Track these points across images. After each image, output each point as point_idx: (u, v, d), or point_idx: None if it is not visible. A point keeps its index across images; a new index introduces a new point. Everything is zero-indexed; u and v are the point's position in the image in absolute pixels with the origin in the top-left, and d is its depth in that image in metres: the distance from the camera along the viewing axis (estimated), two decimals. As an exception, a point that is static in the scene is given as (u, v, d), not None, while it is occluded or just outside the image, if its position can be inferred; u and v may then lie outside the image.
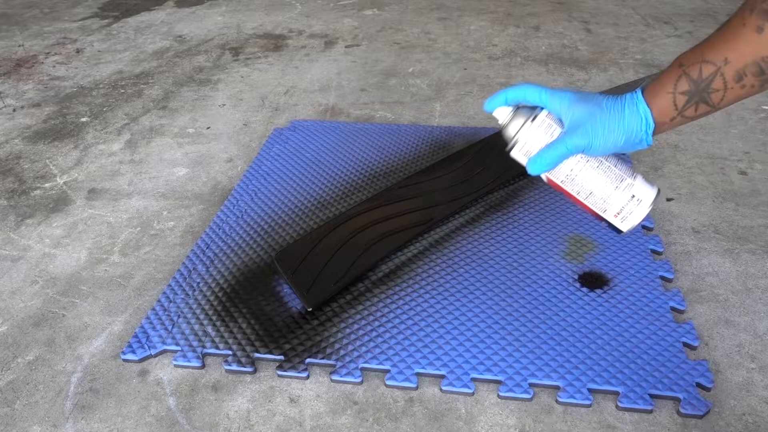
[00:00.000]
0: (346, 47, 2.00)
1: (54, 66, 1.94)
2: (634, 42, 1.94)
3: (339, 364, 0.85)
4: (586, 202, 0.64)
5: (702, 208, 1.16)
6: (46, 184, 1.32)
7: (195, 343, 0.89)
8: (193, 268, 1.03)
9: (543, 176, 0.64)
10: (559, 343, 0.87)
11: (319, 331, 0.90)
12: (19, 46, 2.12)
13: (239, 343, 0.88)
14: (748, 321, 0.91)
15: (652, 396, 0.79)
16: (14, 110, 1.66)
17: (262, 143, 1.42)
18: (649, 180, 0.63)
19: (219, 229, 1.12)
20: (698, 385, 0.80)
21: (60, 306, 0.99)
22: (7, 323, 0.96)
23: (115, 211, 1.22)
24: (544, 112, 0.62)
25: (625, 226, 0.63)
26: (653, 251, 1.03)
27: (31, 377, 0.87)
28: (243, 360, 0.86)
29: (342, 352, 0.87)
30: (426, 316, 0.92)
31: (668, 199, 1.19)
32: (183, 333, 0.90)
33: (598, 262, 1.01)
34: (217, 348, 0.88)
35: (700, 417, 0.77)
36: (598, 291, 0.96)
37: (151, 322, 0.92)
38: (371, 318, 0.92)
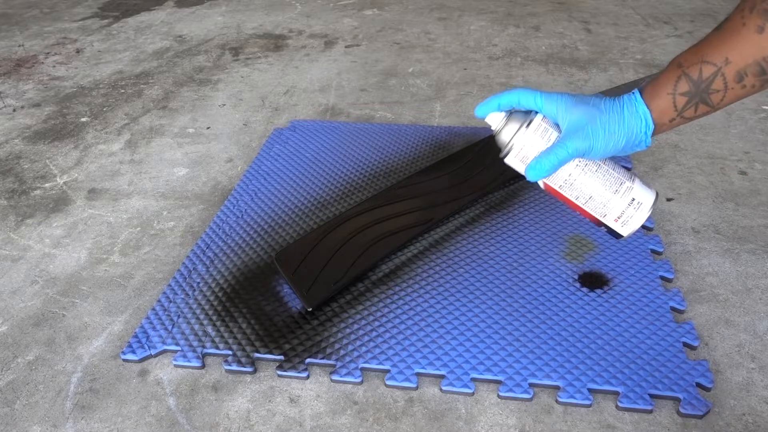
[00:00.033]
0: (346, 47, 2.00)
1: (54, 66, 1.94)
2: (634, 42, 1.94)
3: (339, 364, 0.85)
4: (585, 207, 0.63)
5: (702, 208, 1.16)
6: (46, 184, 1.32)
7: (195, 343, 0.89)
8: (193, 268, 1.03)
9: (540, 182, 0.63)
10: (559, 343, 0.87)
11: (319, 331, 0.90)
12: (19, 46, 2.12)
13: (239, 343, 0.88)
14: (748, 321, 0.91)
15: (652, 396, 0.79)
16: (14, 110, 1.66)
17: (262, 143, 1.42)
18: (647, 183, 0.63)
19: (219, 229, 1.12)
20: (698, 385, 0.80)
21: (60, 306, 0.99)
22: (7, 323, 0.96)
23: (115, 211, 1.22)
24: (539, 117, 0.60)
25: (625, 231, 0.62)
26: (653, 251, 1.03)
27: (31, 377, 0.87)
28: (243, 360, 0.86)
29: (342, 352, 0.87)
30: (426, 316, 0.92)
31: (668, 199, 1.19)
32: (183, 333, 0.90)
33: (598, 262, 1.01)
34: (217, 348, 0.88)
35: (700, 417, 0.77)
36: (598, 291, 0.96)
37: (151, 322, 0.92)
38: (371, 318, 0.92)
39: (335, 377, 0.84)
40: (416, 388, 0.83)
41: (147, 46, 2.08)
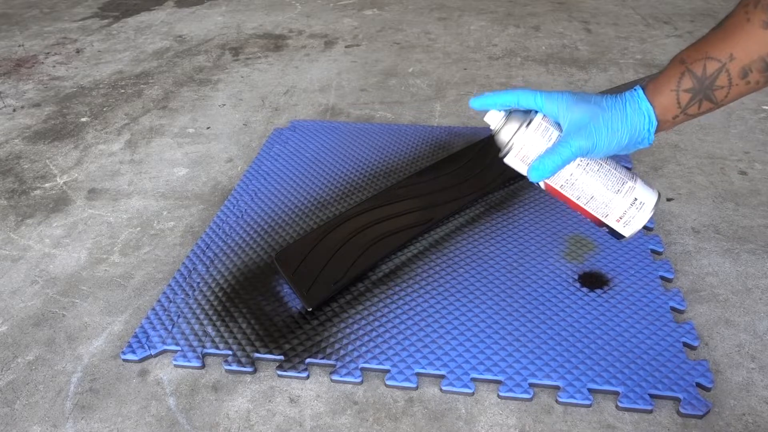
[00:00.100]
0: (346, 47, 2.00)
1: (54, 66, 1.94)
2: (634, 42, 1.94)
3: (339, 364, 0.85)
4: (586, 208, 0.62)
5: (702, 208, 1.16)
6: (46, 184, 1.32)
7: (195, 343, 0.89)
8: (193, 268, 1.03)
9: (541, 182, 0.62)
10: (559, 343, 0.87)
11: (319, 331, 0.90)
12: (19, 46, 2.12)
13: (239, 343, 0.88)
14: (748, 321, 0.91)
15: (652, 396, 0.79)
16: (14, 110, 1.66)
17: (262, 143, 1.42)
18: (648, 183, 0.63)
19: (219, 229, 1.12)
20: (698, 385, 0.80)
21: (60, 306, 0.99)
22: (7, 323, 0.96)
23: (115, 211, 1.22)
24: (539, 116, 0.60)
25: (627, 231, 0.62)
26: (653, 251, 1.03)
27: (31, 377, 0.87)
28: (243, 360, 0.86)
29: (342, 352, 0.87)
30: (426, 316, 0.92)
31: (668, 199, 1.19)
32: (183, 333, 0.90)
33: (598, 262, 1.01)
34: (217, 348, 0.88)
35: (700, 417, 0.77)
36: (598, 291, 0.96)
37: (151, 322, 0.92)
38: (371, 318, 0.92)
39: (335, 377, 0.84)
40: (416, 388, 0.83)
41: (147, 46, 2.08)
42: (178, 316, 0.93)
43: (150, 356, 0.88)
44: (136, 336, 0.90)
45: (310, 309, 0.92)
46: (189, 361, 0.86)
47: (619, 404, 0.78)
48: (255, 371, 0.86)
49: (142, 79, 1.82)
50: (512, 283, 0.98)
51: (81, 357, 0.90)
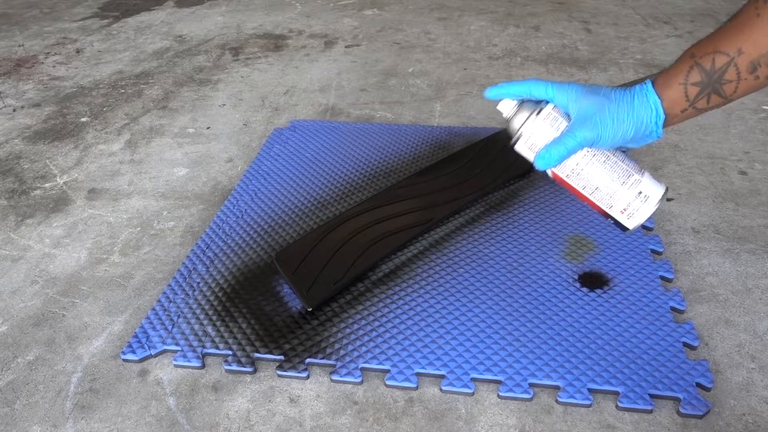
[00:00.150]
0: (346, 47, 2.00)
1: (54, 66, 1.94)
2: (634, 42, 1.94)
3: (339, 364, 0.85)
4: (591, 198, 0.63)
5: (702, 208, 1.16)
6: (46, 184, 1.32)
7: (195, 343, 0.89)
8: (193, 268, 1.03)
9: (548, 171, 0.63)
10: (559, 343, 0.87)
11: (319, 331, 0.90)
12: (19, 46, 2.12)
13: (239, 343, 0.88)
14: (748, 321, 0.91)
15: (652, 396, 0.79)
16: (14, 110, 1.66)
17: (262, 143, 1.42)
18: (657, 177, 0.63)
19: (219, 229, 1.13)
20: (698, 385, 0.80)
21: (60, 306, 0.99)
22: (7, 323, 0.96)
23: (115, 211, 1.22)
24: (549, 106, 0.61)
25: (631, 223, 0.62)
26: (653, 251, 1.03)
27: (31, 377, 0.87)
28: (243, 360, 0.86)
29: (342, 352, 0.87)
30: (426, 316, 0.92)
31: (668, 199, 1.19)
32: (183, 333, 0.90)
33: (598, 262, 1.01)
34: (217, 348, 0.88)
35: (700, 417, 0.77)
36: (598, 291, 0.96)
37: (151, 322, 0.92)
38: (371, 318, 0.92)
39: (335, 377, 0.84)
40: (416, 388, 0.83)
41: (147, 46, 2.08)
42: (178, 316, 0.93)
43: (150, 356, 0.88)
44: (136, 336, 0.90)
45: (310, 309, 0.92)
46: (189, 361, 0.86)
47: (619, 404, 0.78)
48: (255, 371, 0.86)
49: (142, 79, 1.82)
50: (512, 283, 0.98)
51: (81, 357, 0.90)
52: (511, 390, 0.80)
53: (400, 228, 1.06)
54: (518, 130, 0.62)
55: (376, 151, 1.36)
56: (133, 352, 0.88)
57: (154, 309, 0.95)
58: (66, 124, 1.57)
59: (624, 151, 0.65)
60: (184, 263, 1.04)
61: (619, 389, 0.80)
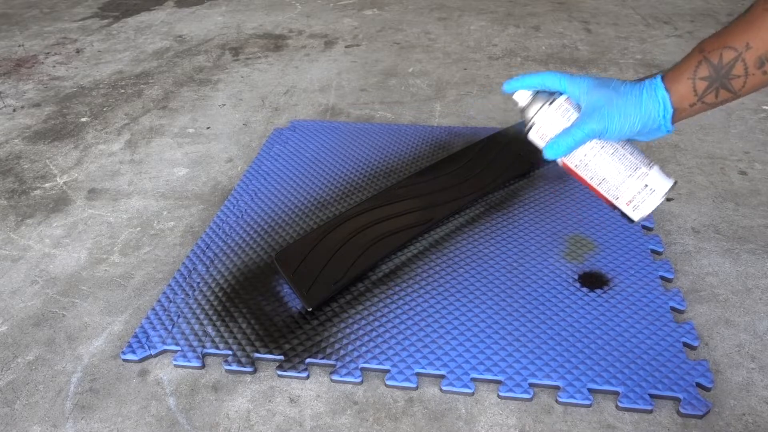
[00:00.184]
0: (346, 47, 2.00)
1: (54, 66, 1.94)
2: (634, 42, 1.94)
3: (339, 364, 0.85)
4: (598, 189, 0.64)
5: (702, 208, 1.16)
6: (46, 184, 1.32)
7: (195, 343, 0.89)
8: (193, 268, 1.03)
9: (559, 161, 0.65)
10: (559, 343, 0.87)
11: (319, 331, 0.90)
12: (19, 46, 2.13)
13: (239, 343, 0.88)
14: (748, 321, 0.91)
15: (652, 396, 0.79)
16: (14, 110, 1.66)
17: (262, 143, 1.42)
18: (665, 171, 0.64)
19: (219, 229, 1.12)
20: (698, 385, 0.80)
21: (60, 306, 0.99)
22: (7, 323, 0.96)
23: (115, 211, 1.22)
24: (562, 97, 0.63)
25: (636, 215, 0.64)
26: (653, 251, 1.03)
27: (31, 377, 0.87)
28: (243, 360, 0.86)
29: (342, 352, 0.87)
30: (426, 316, 0.92)
31: (668, 200, 1.19)
32: (183, 333, 0.90)
33: (598, 262, 1.01)
34: (217, 348, 0.88)
35: (700, 417, 0.77)
36: (598, 291, 0.96)
37: (151, 322, 0.92)
38: (371, 318, 0.92)
39: (335, 377, 0.84)
40: (416, 388, 0.83)
41: (147, 46, 2.08)
42: (178, 316, 0.93)
43: (150, 356, 0.88)
44: (136, 336, 0.90)
45: (310, 309, 0.92)
46: (189, 361, 0.86)
47: (619, 404, 0.78)
48: (255, 371, 0.86)
49: (142, 79, 1.82)
50: (512, 283, 0.98)
51: (81, 357, 0.90)
52: (511, 390, 0.80)
53: (400, 228, 1.06)
54: (531, 119, 0.64)
55: (376, 151, 1.36)
56: (133, 352, 0.88)
57: (154, 309, 0.95)
58: (66, 124, 1.57)
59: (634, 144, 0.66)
60: (184, 263, 1.04)
61: (619, 389, 0.80)
